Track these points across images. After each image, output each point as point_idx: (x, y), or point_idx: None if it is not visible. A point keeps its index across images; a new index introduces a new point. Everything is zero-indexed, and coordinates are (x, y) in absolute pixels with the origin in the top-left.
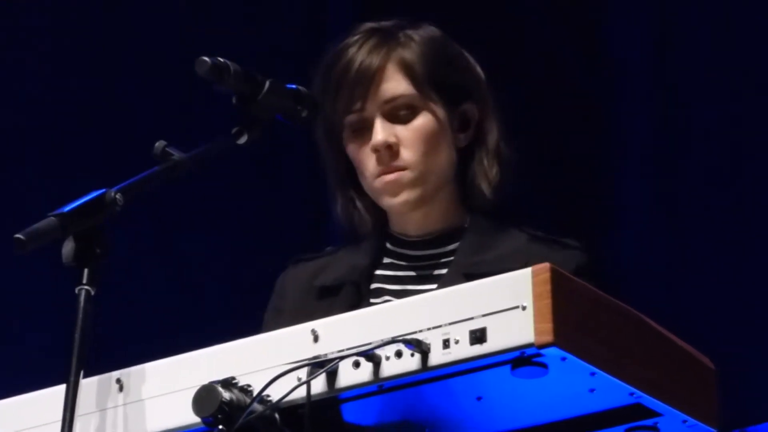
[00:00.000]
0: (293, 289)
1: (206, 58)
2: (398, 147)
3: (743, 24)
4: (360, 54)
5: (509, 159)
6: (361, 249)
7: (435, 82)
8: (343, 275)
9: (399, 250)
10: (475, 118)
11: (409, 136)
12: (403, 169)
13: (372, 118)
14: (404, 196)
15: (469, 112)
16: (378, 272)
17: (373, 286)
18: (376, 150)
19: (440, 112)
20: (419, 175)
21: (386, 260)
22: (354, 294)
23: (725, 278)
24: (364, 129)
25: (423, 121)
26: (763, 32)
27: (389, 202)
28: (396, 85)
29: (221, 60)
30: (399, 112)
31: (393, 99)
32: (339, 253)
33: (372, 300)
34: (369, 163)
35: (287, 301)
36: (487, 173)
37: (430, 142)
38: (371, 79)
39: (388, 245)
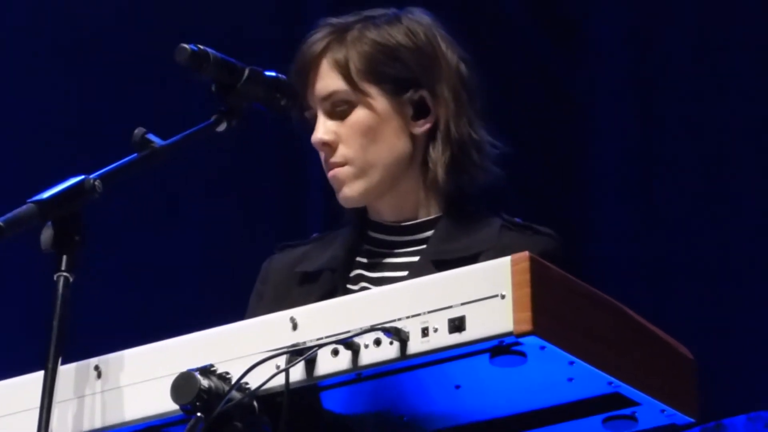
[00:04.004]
0: (276, 275)
1: (186, 46)
2: (337, 143)
3: (722, 19)
4: (304, 51)
5: (467, 142)
6: (344, 236)
7: (372, 76)
8: (324, 262)
9: (378, 237)
10: (431, 106)
11: (345, 132)
12: (342, 164)
13: (317, 115)
14: (346, 191)
15: (425, 98)
16: (357, 259)
17: (353, 273)
18: (317, 148)
19: (380, 104)
20: (359, 170)
21: (366, 247)
22: (332, 280)
23: (705, 269)
24: (315, 125)
25: (358, 115)
26: (742, 30)
27: (337, 196)
28: (329, 82)
29: (201, 47)
30: (336, 108)
31: (327, 96)
32: (323, 240)
33: (349, 286)
34: (321, 158)
35: (269, 286)
36: (440, 157)
37: (368, 135)
38: (308, 76)
39: (369, 232)
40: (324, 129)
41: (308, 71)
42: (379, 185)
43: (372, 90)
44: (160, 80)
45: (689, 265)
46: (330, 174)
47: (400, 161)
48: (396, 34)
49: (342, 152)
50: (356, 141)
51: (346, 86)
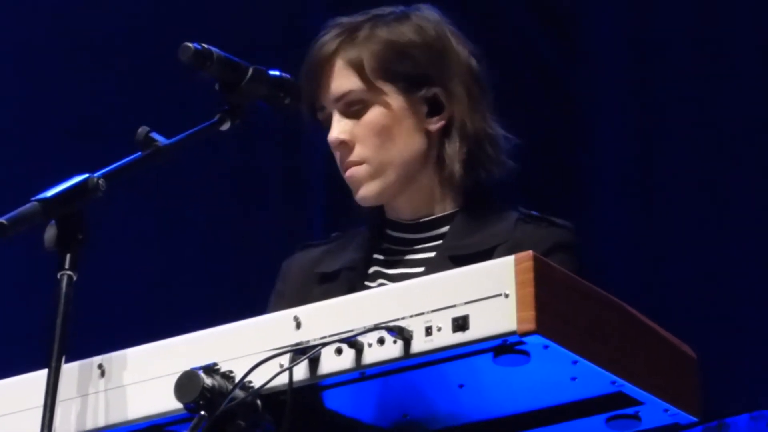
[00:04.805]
0: (296, 274)
1: (190, 44)
2: (353, 143)
3: (722, 18)
4: (315, 52)
5: (482, 137)
6: (362, 235)
7: (386, 74)
8: (343, 262)
9: (395, 234)
10: (444, 102)
11: (361, 131)
12: (359, 163)
13: (332, 115)
14: (364, 191)
15: (439, 95)
16: (376, 256)
17: (371, 270)
18: (333, 147)
19: (395, 102)
20: (375, 169)
21: (384, 245)
22: (351, 279)
23: (707, 267)
24: (330, 125)
25: (373, 114)
26: (742, 29)
27: (355, 196)
28: (343, 81)
29: (205, 46)
30: (351, 108)
31: (342, 96)
32: (343, 239)
33: (367, 283)
34: (336, 158)
35: (289, 285)
36: (456, 153)
37: (384, 134)
38: (321, 77)
39: (387, 231)
40: (340, 128)
41: (321, 72)
42: (396, 184)
43: (386, 88)
44: (164, 79)
45: (691, 264)
46: (347, 174)
47: (415, 159)
48: (407, 32)
49: (358, 151)
50: (372, 140)
51: (361, 85)
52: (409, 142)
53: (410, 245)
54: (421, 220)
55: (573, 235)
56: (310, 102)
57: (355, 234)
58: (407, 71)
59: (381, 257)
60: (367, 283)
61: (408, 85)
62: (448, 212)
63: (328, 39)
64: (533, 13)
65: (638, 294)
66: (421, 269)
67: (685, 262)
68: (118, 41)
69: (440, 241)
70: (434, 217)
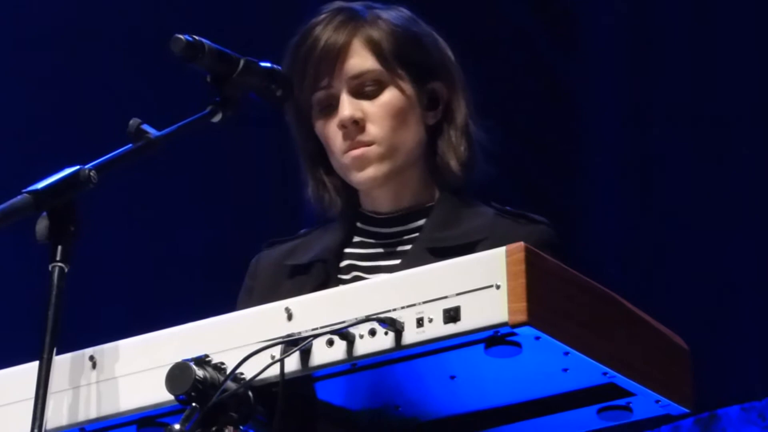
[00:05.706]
0: (265, 269)
1: (181, 36)
2: (365, 122)
3: (719, 13)
4: (326, 32)
5: (478, 137)
6: (333, 229)
7: (402, 59)
8: (314, 254)
9: (369, 228)
10: (444, 97)
11: (376, 111)
12: (369, 144)
13: (338, 95)
14: (371, 171)
15: (438, 90)
16: (348, 250)
17: (343, 263)
18: (342, 126)
19: (408, 88)
20: (386, 150)
21: (356, 239)
22: (323, 271)
23: (699, 259)
24: (332, 106)
25: (390, 96)
26: (739, 23)
27: (357, 177)
28: (362, 61)
29: (196, 38)
30: (365, 88)
31: (359, 75)
32: (311, 234)
33: (341, 276)
34: (336, 139)
35: (259, 280)
36: (455, 150)
37: (398, 117)
38: (337, 56)
39: (359, 224)
40: (353, 107)
41: (336, 50)
42: (400, 169)
43: (402, 74)
44: (156, 71)
45: (684, 256)
46: (356, 153)
47: (417, 148)
48: (415, 25)
49: (371, 131)
50: (386, 121)
51: (379, 66)
52: (415, 131)
53: (385, 239)
54: (396, 215)
55: (553, 230)
56: (313, 83)
57: (325, 229)
58: (420, 60)
59: (354, 251)
60: (340, 276)
61: (418, 74)
62: (424, 206)
63: (340, 19)
64: (533, 12)
65: (631, 285)
66: (396, 262)
67: (678, 254)
68: (112, 31)
69: (416, 234)
70: (409, 211)
